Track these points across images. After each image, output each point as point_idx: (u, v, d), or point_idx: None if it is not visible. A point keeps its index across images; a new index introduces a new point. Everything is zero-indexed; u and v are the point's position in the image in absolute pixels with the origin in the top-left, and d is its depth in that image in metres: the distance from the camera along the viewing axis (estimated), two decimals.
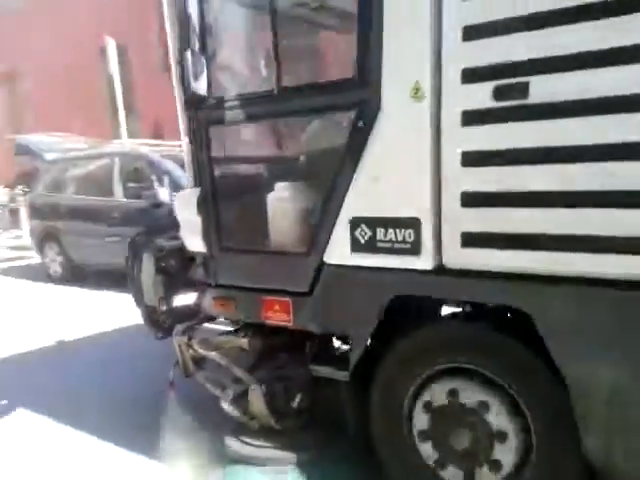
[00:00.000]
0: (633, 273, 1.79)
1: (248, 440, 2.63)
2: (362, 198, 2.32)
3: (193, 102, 2.72)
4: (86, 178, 8.14)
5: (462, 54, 2.00)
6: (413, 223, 2.20)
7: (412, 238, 2.20)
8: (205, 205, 2.85)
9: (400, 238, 2.24)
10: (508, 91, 1.94)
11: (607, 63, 1.74)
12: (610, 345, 1.89)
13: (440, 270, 2.18)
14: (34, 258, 9.54)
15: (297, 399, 2.69)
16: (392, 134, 2.19)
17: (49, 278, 8.47)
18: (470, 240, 2.09)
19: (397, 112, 2.16)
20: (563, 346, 1.96)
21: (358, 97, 2.26)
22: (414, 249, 2.21)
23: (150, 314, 3.21)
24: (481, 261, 2.09)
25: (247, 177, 2.83)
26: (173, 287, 3.11)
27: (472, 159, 2.04)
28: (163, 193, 6.46)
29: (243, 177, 2.84)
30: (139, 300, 3.26)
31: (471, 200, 2.07)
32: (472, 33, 1.97)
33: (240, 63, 2.75)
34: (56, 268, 8.47)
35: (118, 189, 7.38)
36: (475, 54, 1.98)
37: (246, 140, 2.82)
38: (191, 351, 2.97)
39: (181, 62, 2.50)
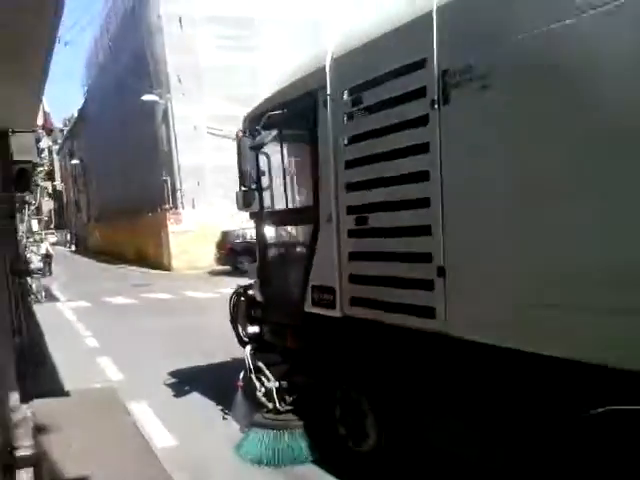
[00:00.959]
0: (414, 324, 3.36)
1: (266, 415, 4.65)
2: (314, 274, 4.25)
3: (250, 215, 5.05)
4: None
5: (345, 199, 3.87)
6: (332, 290, 4.02)
7: (332, 299, 4.02)
8: (259, 271, 5.12)
9: (328, 298, 4.07)
10: (360, 220, 3.74)
11: (397, 209, 3.43)
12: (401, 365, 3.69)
13: (344, 317, 3.97)
14: None
15: (294, 395, 4.69)
16: (322, 241, 4.13)
17: None
18: (354, 301, 3.88)
19: (323, 229, 4.10)
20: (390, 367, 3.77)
21: (313, 218, 4.17)
22: (333, 305, 4.02)
23: (240, 336, 5.49)
24: (359, 313, 3.84)
25: (278, 256, 5.05)
26: (251, 321, 5.38)
27: (351, 257, 3.86)
28: None
29: (276, 256, 5.02)
30: (235, 327, 5.54)
31: (352, 279, 3.87)
32: (348, 189, 3.84)
33: (271, 192, 4.83)
34: None
35: None
36: (349, 200, 3.84)
37: (275, 235, 5.09)
38: (254, 361, 5.00)
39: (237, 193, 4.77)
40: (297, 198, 4.85)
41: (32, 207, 28.82)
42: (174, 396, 6.30)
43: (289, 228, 4.92)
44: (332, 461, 4.23)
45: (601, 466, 2.47)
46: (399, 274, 3.44)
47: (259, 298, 5.14)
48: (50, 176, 58.06)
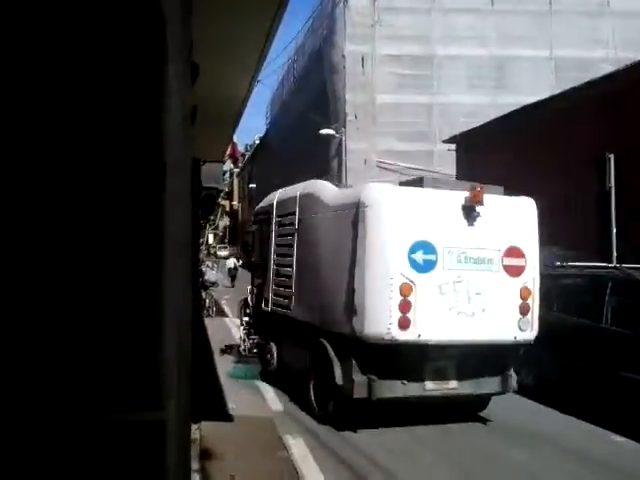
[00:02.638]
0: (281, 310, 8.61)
1: (242, 358, 10.23)
2: (265, 291, 9.25)
3: (249, 262, 12.38)
4: (572, 297, 8.26)
5: (274, 259, 8.99)
6: (268, 299, 9.06)
7: (268, 303, 9.03)
8: (251, 287, 10.72)
9: (266, 302, 9.10)
10: (276, 269, 9.01)
11: (284, 267, 8.58)
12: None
13: (271, 311, 8.96)
14: None
15: (256, 349, 10.08)
16: (267, 276, 9.17)
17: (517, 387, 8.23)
18: (273, 304, 8.88)
19: (268, 270, 9.14)
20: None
21: (267, 264, 9.28)
22: (268, 305, 9.04)
23: (241, 321, 11.25)
24: (274, 309, 8.81)
25: (257, 281, 10.09)
26: (246, 314, 11.00)
27: (273, 284, 8.91)
28: None
29: (256, 281, 10.19)
30: (240, 317, 11.51)
31: (273, 294, 8.87)
32: (274, 255, 9.01)
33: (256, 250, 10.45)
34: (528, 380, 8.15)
35: (607, 315, 7.25)
36: (274, 259, 8.97)
37: (256, 271, 10.44)
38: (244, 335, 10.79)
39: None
40: (265, 255, 9.41)
41: (212, 224, 31.38)
42: (330, 433, 6.34)
43: (261, 268, 9.63)
44: (264, 377, 9.07)
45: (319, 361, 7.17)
46: (282, 293, 8.39)
47: (250, 302, 10.46)
48: (229, 196, 63.08)
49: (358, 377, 6.23)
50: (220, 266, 29.81)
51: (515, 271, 6.64)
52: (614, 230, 11.14)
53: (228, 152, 23.22)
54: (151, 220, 1.24)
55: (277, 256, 8.72)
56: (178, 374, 1.92)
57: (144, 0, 1.22)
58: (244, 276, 33.60)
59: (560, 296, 8.32)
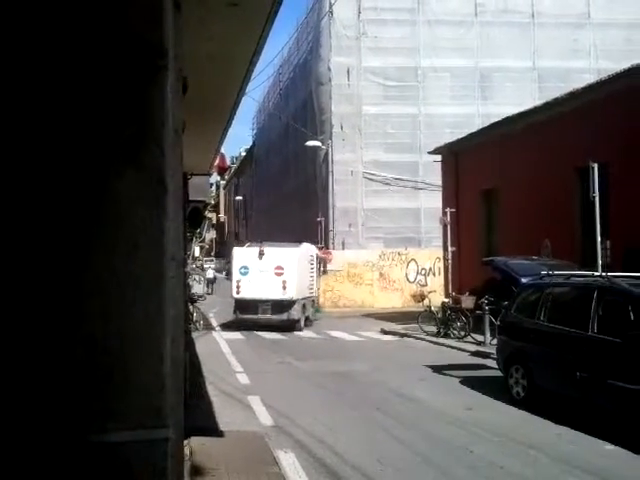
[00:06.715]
0: None
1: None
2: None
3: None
4: (559, 306, 8.35)
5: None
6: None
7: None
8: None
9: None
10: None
11: None
12: None
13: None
14: (492, 369, 10.13)
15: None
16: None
17: (509, 398, 8.39)
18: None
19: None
20: None
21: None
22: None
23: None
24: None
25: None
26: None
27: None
28: None
29: None
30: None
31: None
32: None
33: None
34: (519, 390, 8.32)
35: (593, 323, 7.22)
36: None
37: None
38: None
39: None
40: None
41: (198, 237, 31.43)
42: (322, 448, 6.29)
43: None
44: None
45: None
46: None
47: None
48: (215, 208, 62.92)
49: (236, 312, 17.99)
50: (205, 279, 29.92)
51: (279, 274, 17.05)
52: (599, 239, 11.25)
53: (217, 163, 23.48)
54: (153, 237, 1.22)
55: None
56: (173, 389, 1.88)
57: (145, 21, 1.22)
58: (223, 284, 34.11)
59: (547, 305, 8.37)
